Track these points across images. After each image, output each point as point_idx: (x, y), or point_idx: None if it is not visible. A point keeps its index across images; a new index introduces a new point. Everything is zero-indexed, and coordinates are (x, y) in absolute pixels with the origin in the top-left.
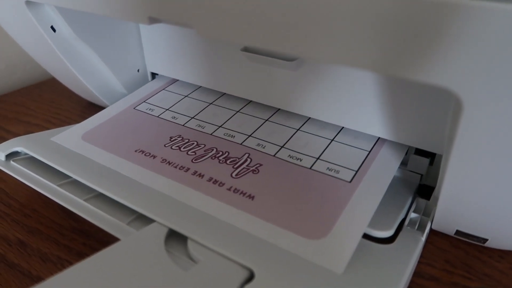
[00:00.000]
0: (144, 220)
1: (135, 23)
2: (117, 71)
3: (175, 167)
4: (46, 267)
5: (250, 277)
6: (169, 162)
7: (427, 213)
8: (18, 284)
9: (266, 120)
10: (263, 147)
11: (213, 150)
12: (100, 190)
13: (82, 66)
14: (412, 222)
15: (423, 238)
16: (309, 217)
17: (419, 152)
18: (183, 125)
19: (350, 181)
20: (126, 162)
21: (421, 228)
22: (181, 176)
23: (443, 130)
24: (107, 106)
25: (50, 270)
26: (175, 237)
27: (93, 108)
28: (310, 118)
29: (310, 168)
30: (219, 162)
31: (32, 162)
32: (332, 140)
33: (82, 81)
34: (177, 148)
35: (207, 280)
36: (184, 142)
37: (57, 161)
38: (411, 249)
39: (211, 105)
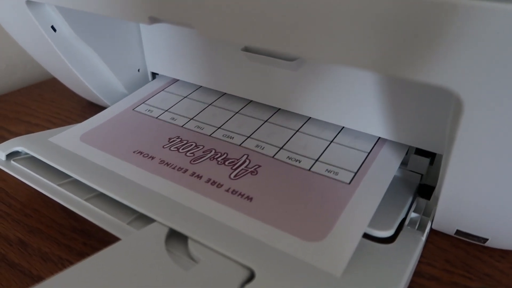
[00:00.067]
0: (145, 219)
1: (135, 23)
2: (117, 71)
3: (174, 168)
4: (47, 267)
5: (251, 276)
6: (167, 163)
7: (427, 213)
8: (18, 284)
9: (265, 121)
10: (262, 148)
11: (211, 151)
12: (101, 190)
13: (83, 66)
14: (413, 222)
15: (424, 238)
16: (307, 219)
17: (420, 152)
18: (182, 126)
19: (349, 183)
20: (125, 163)
21: (422, 227)
22: (179, 177)
23: (443, 130)
24: (108, 106)
25: (50, 270)
26: (175, 237)
27: (93, 108)
28: (309, 119)
29: (309, 169)
30: (217, 163)
31: (33, 162)
32: (332, 141)
33: (82, 81)
34: (176, 149)
35: (208, 280)
36: (183, 143)
37: (57, 161)
38: (412, 249)
39: (210, 106)
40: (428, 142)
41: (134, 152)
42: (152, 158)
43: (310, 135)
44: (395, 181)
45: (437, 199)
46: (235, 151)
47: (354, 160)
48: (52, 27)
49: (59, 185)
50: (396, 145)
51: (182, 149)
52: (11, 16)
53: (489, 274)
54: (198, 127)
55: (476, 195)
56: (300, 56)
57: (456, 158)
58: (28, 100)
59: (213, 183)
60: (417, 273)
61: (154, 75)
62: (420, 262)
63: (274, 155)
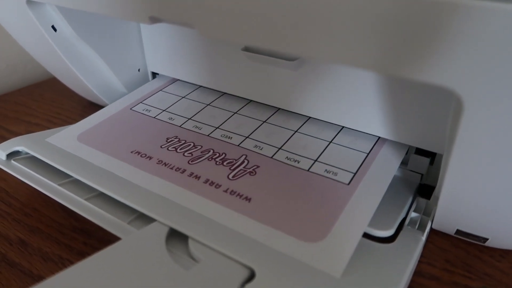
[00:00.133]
0: (145, 219)
1: (136, 23)
2: (117, 71)
3: (171, 168)
4: (47, 266)
5: (251, 276)
6: (165, 163)
7: (427, 213)
8: (19, 283)
9: (264, 122)
10: (261, 149)
11: (210, 151)
12: (101, 190)
13: (83, 66)
14: (413, 222)
15: (424, 238)
16: (306, 219)
17: (420, 151)
18: (180, 126)
19: (348, 183)
20: (122, 163)
21: (422, 227)
22: (177, 177)
23: (443, 129)
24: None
25: (51, 269)
26: (176, 237)
27: (93, 107)
28: (308, 119)
29: (308, 170)
30: (215, 163)
31: (33, 161)
32: (331, 142)
33: (82, 80)
34: (174, 149)
35: (208, 279)
36: (181, 143)
37: (58, 160)
38: (412, 249)
39: (208, 106)
40: (428, 142)
41: (131, 152)
42: (150, 158)
43: (309, 135)
44: (395, 181)
45: (437, 199)
46: (233, 151)
47: (353, 160)
48: (53, 27)
49: (59, 184)
50: (396, 144)
51: (180, 149)
52: (11, 16)
53: (489, 273)
54: (196, 127)
55: (476, 195)
56: (300, 56)
57: (456, 158)
58: (28, 100)
59: (211, 183)
60: (417, 273)
61: (154, 74)
62: (420, 261)
63: (273, 155)
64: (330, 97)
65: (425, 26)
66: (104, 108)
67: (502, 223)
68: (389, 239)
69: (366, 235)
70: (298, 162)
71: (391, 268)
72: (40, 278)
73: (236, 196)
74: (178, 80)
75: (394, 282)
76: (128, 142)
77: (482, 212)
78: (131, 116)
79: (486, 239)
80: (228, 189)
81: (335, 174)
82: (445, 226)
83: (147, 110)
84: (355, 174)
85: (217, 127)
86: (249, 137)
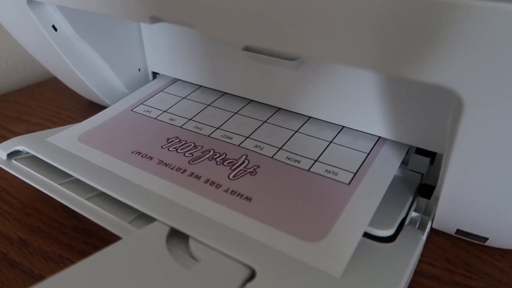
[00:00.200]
0: (146, 219)
1: (136, 23)
2: (118, 71)
3: (172, 168)
4: (48, 266)
5: (252, 275)
6: (166, 163)
7: (427, 212)
8: (20, 283)
9: (264, 122)
10: (261, 149)
11: (210, 151)
12: (102, 189)
13: (84, 66)
14: (413, 221)
15: (424, 237)
16: (306, 219)
17: (420, 151)
18: (180, 127)
19: (349, 183)
20: (123, 163)
21: (422, 227)
22: (178, 177)
23: (443, 129)
24: (108, 105)
25: (52, 269)
26: (176, 236)
27: (94, 107)
28: (308, 119)
29: (308, 170)
30: (216, 163)
31: (34, 161)
32: (331, 142)
33: (83, 80)
34: (174, 149)
35: (209, 279)
36: (181, 143)
37: (58, 160)
38: (412, 248)
39: (209, 106)
40: (429, 142)
41: (132, 152)
42: (151, 158)
43: (309, 135)
44: (395, 181)
45: (437, 198)
46: (234, 151)
47: (353, 160)
48: (53, 26)
49: (60, 184)
50: (396, 144)
51: (181, 149)
52: (12, 15)
53: (490, 273)
54: (197, 127)
55: (476, 194)
56: (300, 56)
57: (456, 158)
58: (29, 100)
59: (212, 183)
60: (417, 273)
61: (154, 74)
62: (420, 261)
63: (273, 155)
64: (330, 97)
65: (425, 26)
66: (105, 110)
67: (502, 222)
68: (390, 239)
69: (366, 235)
70: (299, 162)
71: (391, 268)
72: (41, 277)
73: (237, 196)
74: (179, 80)
75: (394, 281)
76: (129, 143)
77: (482, 212)
78: (132, 117)
79: (486, 239)
80: (228, 189)
81: (336, 174)
82: (446, 225)
83: (147, 111)
84: (355, 174)
85: (218, 128)
86: (250, 137)
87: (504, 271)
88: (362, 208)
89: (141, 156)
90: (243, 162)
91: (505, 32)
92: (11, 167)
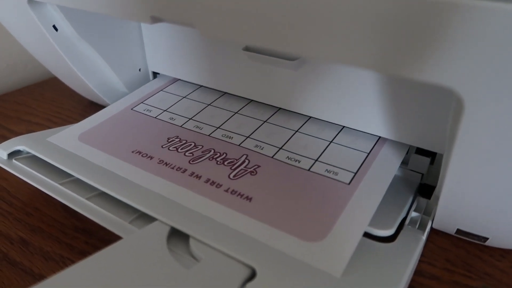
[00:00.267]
0: (146, 218)
1: (137, 23)
2: (118, 70)
3: (173, 168)
4: (48, 266)
5: (252, 275)
6: (166, 163)
7: (428, 212)
8: (20, 282)
9: (265, 122)
10: (261, 149)
11: (210, 151)
12: (102, 189)
13: (84, 65)
14: (413, 221)
15: (424, 237)
16: (307, 219)
17: (420, 151)
18: (180, 126)
19: (349, 183)
20: (123, 163)
21: (422, 227)
22: (178, 177)
23: (444, 129)
24: (109, 105)
25: (52, 269)
26: (177, 236)
27: (94, 107)
28: (309, 119)
29: (309, 170)
30: (216, 163)
31: (34, 161)
32: (331, 141)
33: (83, 80)
34: (175, 149)
35: (209, 278)
36: (182, 143)
37: (59, 160)
38: (412, 248)
39: (209, 106)
40: (429, 142)
41: (132, 152)
42: (151, 158)
43: (309, 135)
44: (395, 181)
45: (437, 198)
46: (234, 151)
47: (354, 160)
48: (54, 26)
49: (60, 184)
50: (396, 144)
51: (181, 149)
52: (12, 15)
53: (490, 273)
54: (197, 127)
55: (476, 194)
56: (300, 56)
57: (456, 158)
58: (29, 99)
59: (212, 183)
60: (417, 272)
61: (155, 74)
62: (420, 261)
63: (274, 155)
64: (330, 97)
65: (425, 26)
66: (105, 109)
67: (502, 222)
68: (390, 239)
69: (366, 235)
70: (299, 162)
71: (391, 268)
72: (41, 277)
73: (237, 195)
74: (179, 80)
75: (395, 281)
76: (129, 142)
77: (483, 212)
78: (132, 116)
79: (487, 239)
80: (229, 188)
81: (336, 173)
82: (446, 225)
83: (148, 110)
84: (355, 173)
85: (218, 127)
86: (250, 137)
87: (504, 271)
88: (362, 208)
89: (142, 155)
90: (244, 162)
91: (505, 32)
92: (11, 167)
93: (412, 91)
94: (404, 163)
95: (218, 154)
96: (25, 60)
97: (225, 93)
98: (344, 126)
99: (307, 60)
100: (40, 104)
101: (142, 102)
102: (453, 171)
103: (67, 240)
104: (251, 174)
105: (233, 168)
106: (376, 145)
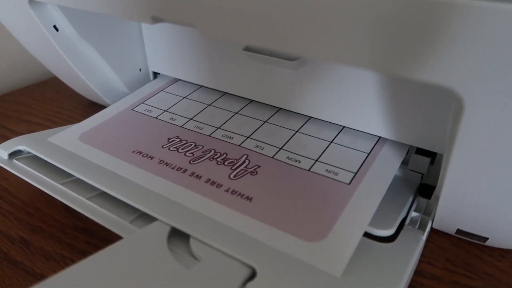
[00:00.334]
0: (146, 218)
1: (137, 23)
2: (119, 70)
3: (173, 168)
4: (49, 265)
5: (252, 275)
6: (166, 163)
7: (428, 212)
8: (21, 282)
9: (265, 122)
10: (262, 149)
11: (211, 151)
12: (103, 189)
13: (84, 65)
14: (413, 221)
15: (424, 237)
16: (307, 219)
17: (420, 151)
18: (181, 127)
19: (349, 183)
20: (124, 163)
21: (422, 227)
22: (178, 177)
23: (444, 129)
24: (109, 105)
25: (53, 268)
26: (177, 236)
27: (94, 107)
28: (309, 119)
29: (309, 170)
30: (217, 163)
31: (35, 161)
32: (331, 142)
33: (84, 80)
34: (175, 149)
35: (210, 278)
36: (182, 143)
37: (60, 160)
38: (412, 248)
39: (209, 106)
40: (429, 142)
41: (133, 152)
42: (151, 158)
43: (310, 135)
44: (395, 181)
45: (437, 198)
46: (234, 151)
47: (354, 160)
48: (55, 26)
49: (61, 184)
50: (396, 144)
51: (182, 149)
52: (13, 15)
53: (490, 273)
54: (198, 127)
55: (476, 194)
56: (301, 56)
57: (456, 158)
58: (29, 99)
59: (213, 183)
60: (417, 272)
61: (155, 74)
62: (420, 261)
63: (274, 155)
64: (330, 97)
65: (425, 26)
66: (105, 109)
67: (502, 222)
68: (390, 239)
69: (366, 235)
70: (299, 162)
71: (391, 268)
72: (42, 277)
73: (237, 195)
74: (179, 80)
75: (395, 281)
76: (130, 142)
77: (483, 212)
78: (132, 117)
79: (487, 239)
80: (229, 188)
81: (336, 174)
82: (446, 225)
83: (148, 110)
84: (355, 174)
85: (218, 127)
86: (250, 137)
87: (504, 271)
88: (363, 208)
89: (142, 155)
90: (244, 162)
91: (505, 32)
92: (12, 167)
93: (412, 91)
94: (404, 163)
95: (219, 154)
96: (25, 60)
97: (226, 93)
98: (344, 126)
99: (307, 60)
100: (40, 104)
101: (142, 103)
102: (453, 171)
103: (68, 240)
104: (251, 174)
105: (233, 168)
106: (376, 145)
